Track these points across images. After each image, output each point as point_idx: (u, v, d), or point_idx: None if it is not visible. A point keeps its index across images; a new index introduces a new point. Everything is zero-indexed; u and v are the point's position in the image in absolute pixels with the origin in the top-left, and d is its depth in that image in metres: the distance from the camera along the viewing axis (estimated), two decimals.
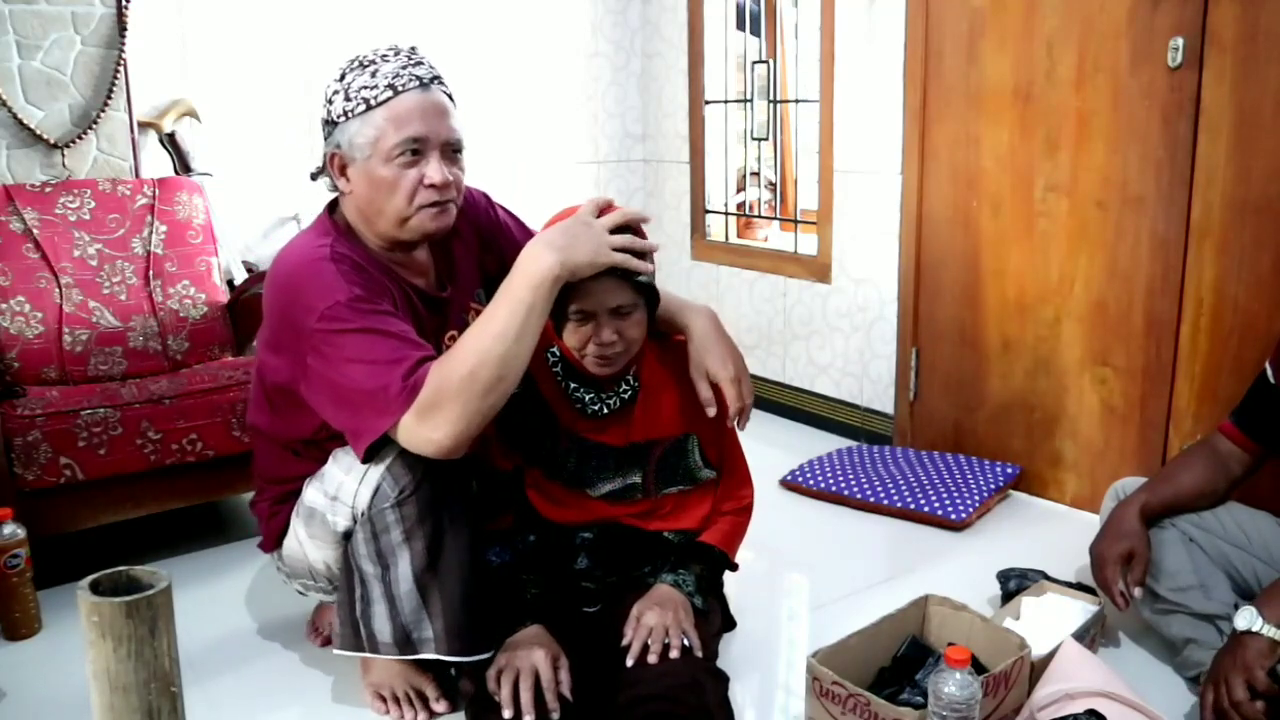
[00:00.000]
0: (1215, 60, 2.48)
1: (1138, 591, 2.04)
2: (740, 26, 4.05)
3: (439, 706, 1.87)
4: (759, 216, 4.21)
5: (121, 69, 3.00)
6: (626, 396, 2.00)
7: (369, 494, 1.77)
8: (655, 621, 1.84)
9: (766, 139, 4.04)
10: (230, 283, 3.10)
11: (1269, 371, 2.07)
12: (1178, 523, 2.11)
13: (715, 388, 1.93)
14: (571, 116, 4.19)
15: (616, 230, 1.77)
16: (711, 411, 1.92)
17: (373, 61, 1.82)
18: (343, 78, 1.83)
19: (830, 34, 3.45)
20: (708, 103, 4.07)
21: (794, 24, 3.79)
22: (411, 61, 1.84)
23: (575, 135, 4.22)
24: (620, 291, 1.82)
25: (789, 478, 3.19)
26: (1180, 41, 2.53)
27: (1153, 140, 2.64)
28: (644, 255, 1.81)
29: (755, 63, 3.96)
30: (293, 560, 2.01)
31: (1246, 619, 1.79)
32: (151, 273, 2.83)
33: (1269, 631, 1.76)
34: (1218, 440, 2.16)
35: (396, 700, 1.92)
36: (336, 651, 1.87)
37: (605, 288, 1.80)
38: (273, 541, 2.07)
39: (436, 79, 1.85)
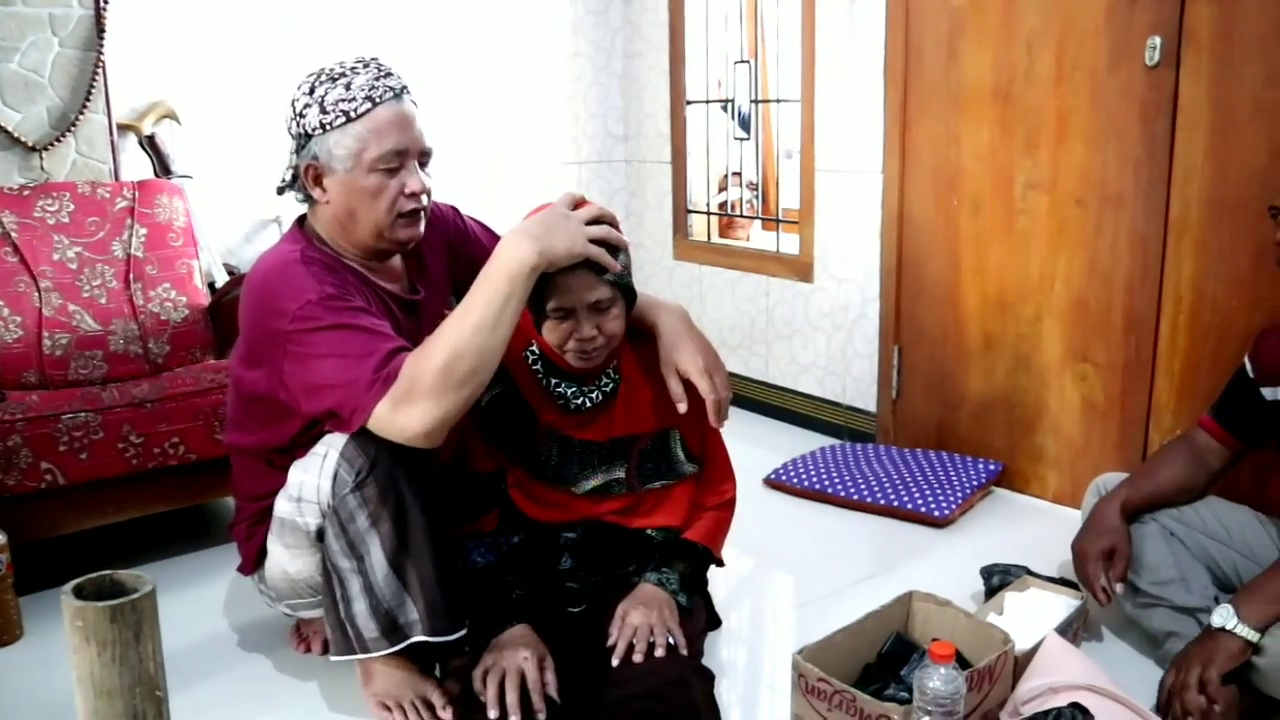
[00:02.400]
0: (1192, 59, 2.50)
1: (1119, 587, 2.06)
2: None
3: (445, 714, 1.84)
4: (741, 216, 4.22)
5: (100, 71, 2.98)
6: (608, 390, 2.00)
7: (329, 484, 1.78)
8: (640, 620, 1.84)
9: (748, 139, 4.04)
10: (211, 285, 3.09)
11: (1247, 366, 2.09)
12: (1158, 517, 2.13)
13: (689, 383, 1.92)
14: (553, 117, 4.19)
15: (591, 223, 1.81)
16: (682, 408, 1.91)
17: (343, 74, 1.86)
18: (312, 91, 1.86)
19: (811, 34, 3.46)
20: (689, 103, 4.08)
21: (775, 24, 3.80)
22: (382, 73, 1.88)
23: (557, 136, 4.22)
24: (598, 286, 1.82)
25: (773, 476, 3.19)
26: (1158, 40, 2.55)
27: (1131, 138, 2.66)
28: (616, 253, 1.84)
29: (737, 63, 3.96)
30: (275, 581, 2.01)
31: (1222, 616, 1.81)
32: (132, 276, 2.82)
33: (1242, 631, 1.78)
34: (1197, 435, 2.18)
35: (402, 709, 1.87)
36: (333, 659, 1.86)
37: (582, 283, 1.81)
38: (251, 564, 2.07)
39: (405, 89, 1.90)
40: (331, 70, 1.87)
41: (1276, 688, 1.77)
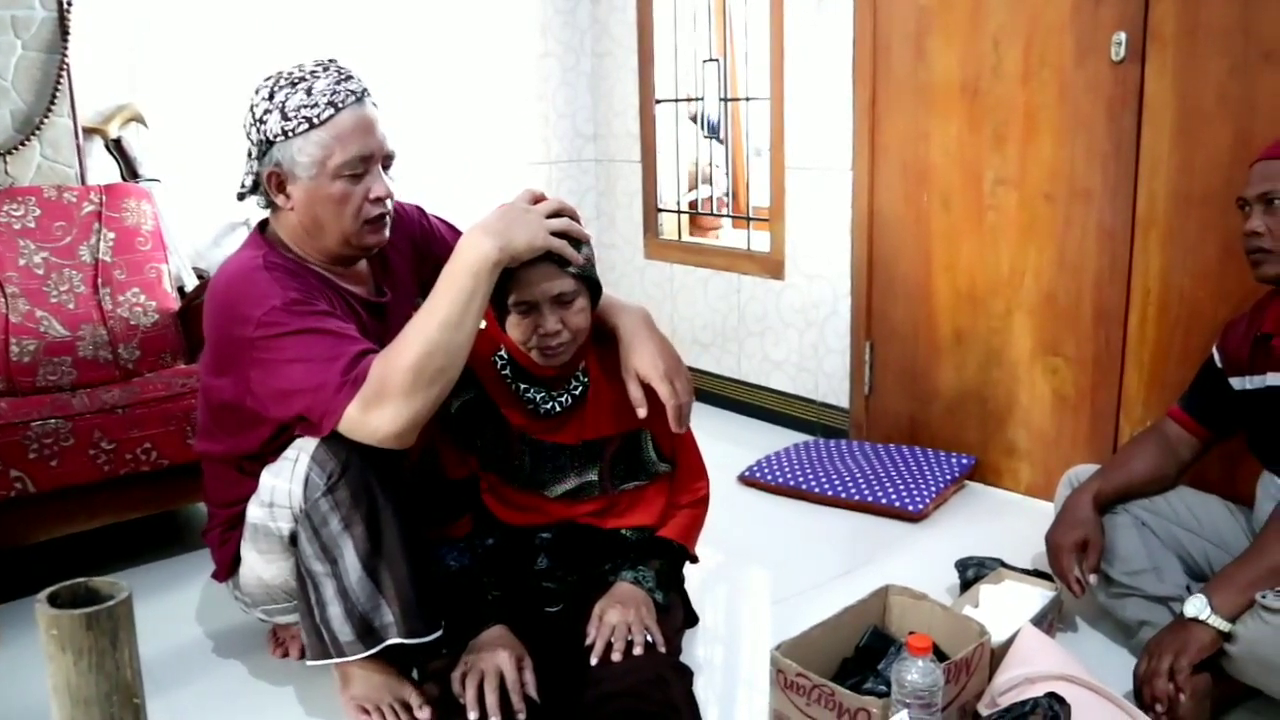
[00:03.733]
0: (1157, 54, 2.53)
1: (1093, 578, 2.08)
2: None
3: (423, 714, 1.84)
4: (711, 214, 4.23)
5: (64, 74, 2.95)
6: (577, 393, 2.00)
7: (300, 488, 1.77)
8: (617, 619, 1.84)
9: (721, 142, 4.06)
10: (181, 289, 3.06)
11: (1215, 357, 2.12)
12: (1130, 508, 2.16)
13: (650, 387, 1.91)
14: (522, 117, 4.18)
15: (552, 216, 1.81)
16: (642, 413, 1.89)
17: (303, 78, 1.84)
18: (272, 96, 1.84)
19: (779, 31, 3.47)
20: (658, 102, 4.08)
21: (743, 22, 3.81)
22: (342, 76, 1.86)
23: (526, 136, 4.21)
24: (560, 279, 1.82)
25: (747, 474, 3.20)
26: (1123, 36, 2.57)
27: (1098, 133, 2.68)
28: (578, 246, 1.84)
29: (705, 61, 3.97)
30: (250, 588, 2.00)
31: (1196, 607, 1.82)
32: (100, 281, 2.78)
33: (1215, 622, 1.79)
34: (1167, 426, 2.21)
35: (380, 712, 1.86)
36: (310, 664, 1.85)
37: (545, 275, 1.81)
38: (225, 570, 2.06)
39: (366, 91, 1.89)
40: (290, 74, 1.85)
41: (1249, 674, 1.79)
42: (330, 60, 1.89)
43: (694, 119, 4.15)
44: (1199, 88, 2.47)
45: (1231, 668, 1.81)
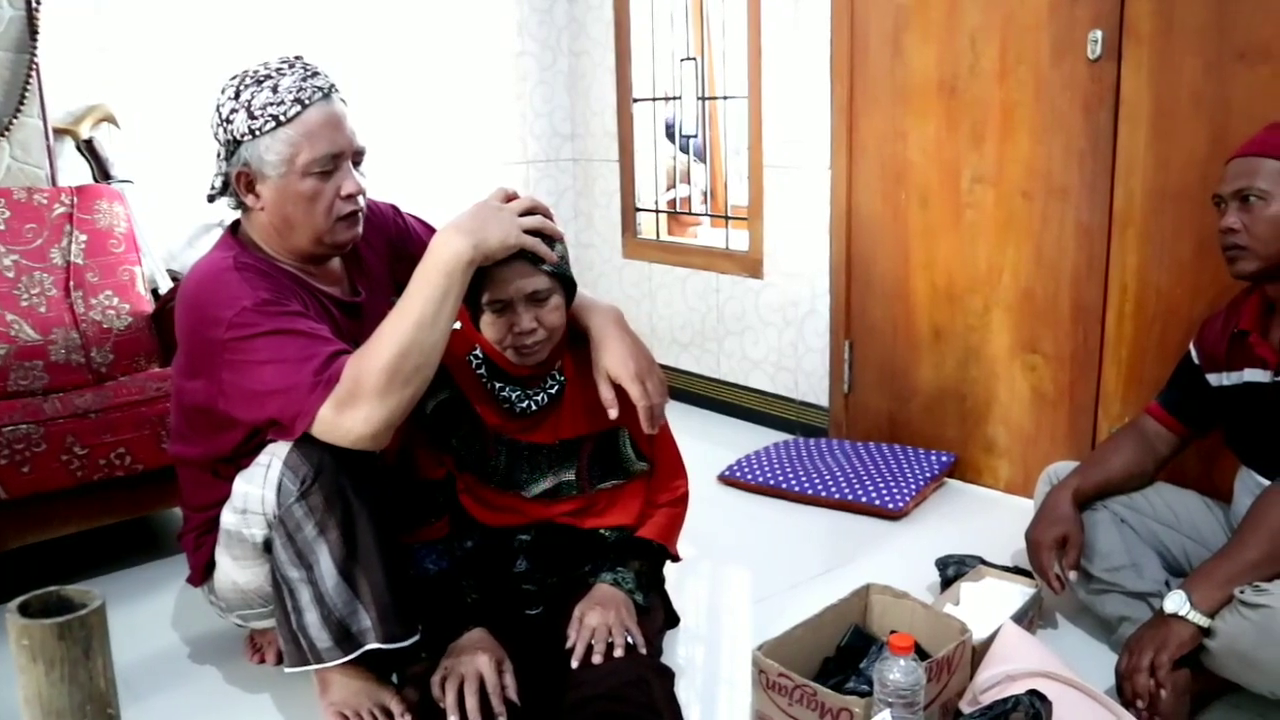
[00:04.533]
0: (1133, 52, 2.54)
1: (1072, 575, 2.09)
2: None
3: None
4: (689, 214, 4.22)
5: (34, 74, 2.91)
6: (553, 392, 1.99)
7: (274, 494, 1.75)
8: (597, 621, 1.84)
9: (696, 136, 4.05)
10: (155, 292, 3.03)
11: (1193, 353, 2.13)
12: (1109, 504, 2.16)
13: (621, 388, 1.89)
14: (499, 117, 4.17)
15: (525, 215, 1.80)
16: (613, 413, 1.88)
17: (268, 76, 1.82)
18: (238, 95, 1.82)
19: (756, 30, 3.47)
20: (636, 100, 4.07)
21: (721, 20, 3.81)
22: (309, 73, 1.84)
23: (504, 135, 4.19)
24: (534, 277, 1.81)
25: (727, 473, 3.20)
26: (1099, 34, 2.58)
27: (1075, 131, 2.69)
28: (551, 243, 1.84)
29: (683, 60, 3.97)
30: (225, 592, 1.98)
31: (1175, 603, 1.82)
32: (72, 284, 2.75)
33: (1194, 618, 1.80)
34: (1145, 423, 2.22)
35: (360, 718, 1.84)
36: (287, 670, 1.83)
37: (519, 273, 1.80)
38: (200, 575, 2.04)
39: (333, 87, 1.86)
40: (256, 72, 1.83)
41: (1228, 669, 1.80)
42: (296, 57, 1.86)
43: (670, 136, 4.15)
44: (1175, 86, 2.48)
45: (1211, 662, 1.81)
